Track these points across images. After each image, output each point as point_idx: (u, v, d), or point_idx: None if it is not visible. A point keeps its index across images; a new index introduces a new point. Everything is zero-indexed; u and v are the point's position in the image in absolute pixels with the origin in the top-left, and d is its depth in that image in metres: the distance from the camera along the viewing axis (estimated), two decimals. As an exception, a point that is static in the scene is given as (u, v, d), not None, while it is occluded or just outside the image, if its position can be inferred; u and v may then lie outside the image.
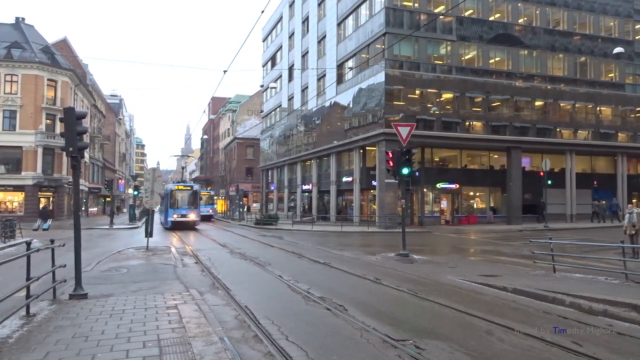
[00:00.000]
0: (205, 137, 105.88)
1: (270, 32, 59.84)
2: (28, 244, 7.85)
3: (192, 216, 31.66)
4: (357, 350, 6.05)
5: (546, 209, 32.31)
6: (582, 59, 38.77)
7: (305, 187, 46.44)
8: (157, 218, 40.62)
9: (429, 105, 33.54)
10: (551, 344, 6.22)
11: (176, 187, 32.95)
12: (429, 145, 34.44)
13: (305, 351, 5.96)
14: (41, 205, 41.46)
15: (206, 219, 46.01)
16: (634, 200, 37.80)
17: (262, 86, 64.08)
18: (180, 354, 5.39)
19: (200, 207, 34.60)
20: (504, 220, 35.20)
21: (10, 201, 42.71)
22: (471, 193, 37.81)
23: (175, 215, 31.25)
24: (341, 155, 39.60)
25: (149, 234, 17.61)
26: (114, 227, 33.48)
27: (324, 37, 42.36)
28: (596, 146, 38.64)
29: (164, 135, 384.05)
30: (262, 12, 15.79)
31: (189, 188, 33.47)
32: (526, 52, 36.96)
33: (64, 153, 8.89)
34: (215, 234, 27.41)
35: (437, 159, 36.78)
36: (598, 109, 39.27)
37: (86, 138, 43.42)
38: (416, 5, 34.29)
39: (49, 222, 31.80)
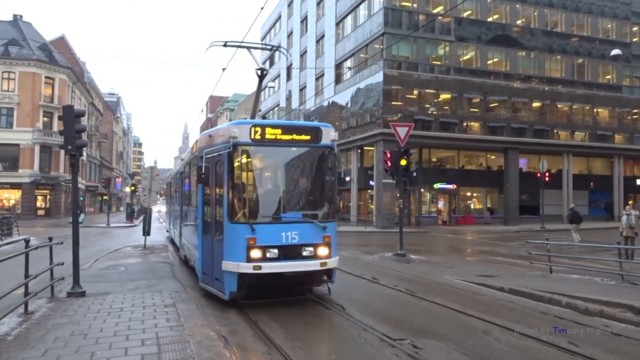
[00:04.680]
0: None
1: (268, 31, 59.82)
2: (26, 241, 7.85)
3: (323, 251, 8.22)
4: (354, 349, 6.08)
5: (544, 210, 32.43)
6: (580, 60, 38.90)
7: (303, 186, 46.30)
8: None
9: (427, 106, 33.59)
10: (547, 344, 6.26)
11: (261, 131, 8.24)
12: (426, 145, 34.48)
13: (303, 350, 5.98)
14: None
15: None
16: (630, 202, 37.96)
17: (260, 85, 63.99)
18: (178, 352, 5.41)
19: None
20: (501, 221, 35.29)
21: (7, 199, 42.58)
22: (468, 193, 37.89)
23: (259, 253, 7.80)
24: (339, 155, 39.55)
25: (146, 232, 17.62)
26: (111, 225, 33.42)
27: (323, 36, 42.38)
28: (593, 148, 38.76)
29: (162, 133, 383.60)
30: (262, 8, 15.74)
31: (308, 137, 8.61)
32: (524, 53, 37.04)
33: (61, 151, 8.92)
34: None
35: (434, 160, 36.84)
36: (595, 110, 39.41)
37: (84, 136, 43.32)
38: (415, 5, 34.34)
39: (82, 216, 32.47)
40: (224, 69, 19.43)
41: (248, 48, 10.67)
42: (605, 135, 39.59)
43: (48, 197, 44.22)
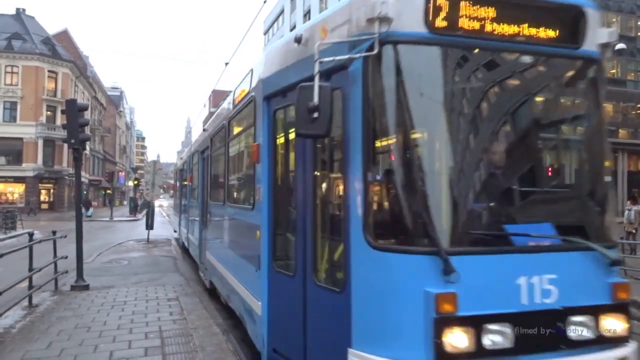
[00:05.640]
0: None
1: (271, 25, 59.63)
2: (30, 235, 7.90)
3: (614, 324, 3.09)
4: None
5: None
6: (584, 55, 38.66)
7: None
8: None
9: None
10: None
11: (449, 9, 3.04)
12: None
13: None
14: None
15: None
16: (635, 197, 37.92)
17: (263, 79, 63.89)
18: (181, 345, 5.44)
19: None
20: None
21: (11, 192, 42.79)
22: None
23: (469, 340, 2.77)
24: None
25: (149, 226, 17.67)
26: (114, 219, 33.56)
27: (326, 30, 42.20)
28: (597, 142, 38.59)
29: (165, 128, 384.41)
30: (265, 2, 15.66)
31: (555, 33, 3.28)
32: (528, 47, 36.84)
33: (65, 145, 8.95)
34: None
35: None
36: (599, 105, 39.23)
37: (87, 130, 43.40)
38: None
39: (91, 210, 33.38)
40: (226, 64, 19.36)
41: None
42: (609, 130, 39.45)
43: (52, 190, 44.44)
